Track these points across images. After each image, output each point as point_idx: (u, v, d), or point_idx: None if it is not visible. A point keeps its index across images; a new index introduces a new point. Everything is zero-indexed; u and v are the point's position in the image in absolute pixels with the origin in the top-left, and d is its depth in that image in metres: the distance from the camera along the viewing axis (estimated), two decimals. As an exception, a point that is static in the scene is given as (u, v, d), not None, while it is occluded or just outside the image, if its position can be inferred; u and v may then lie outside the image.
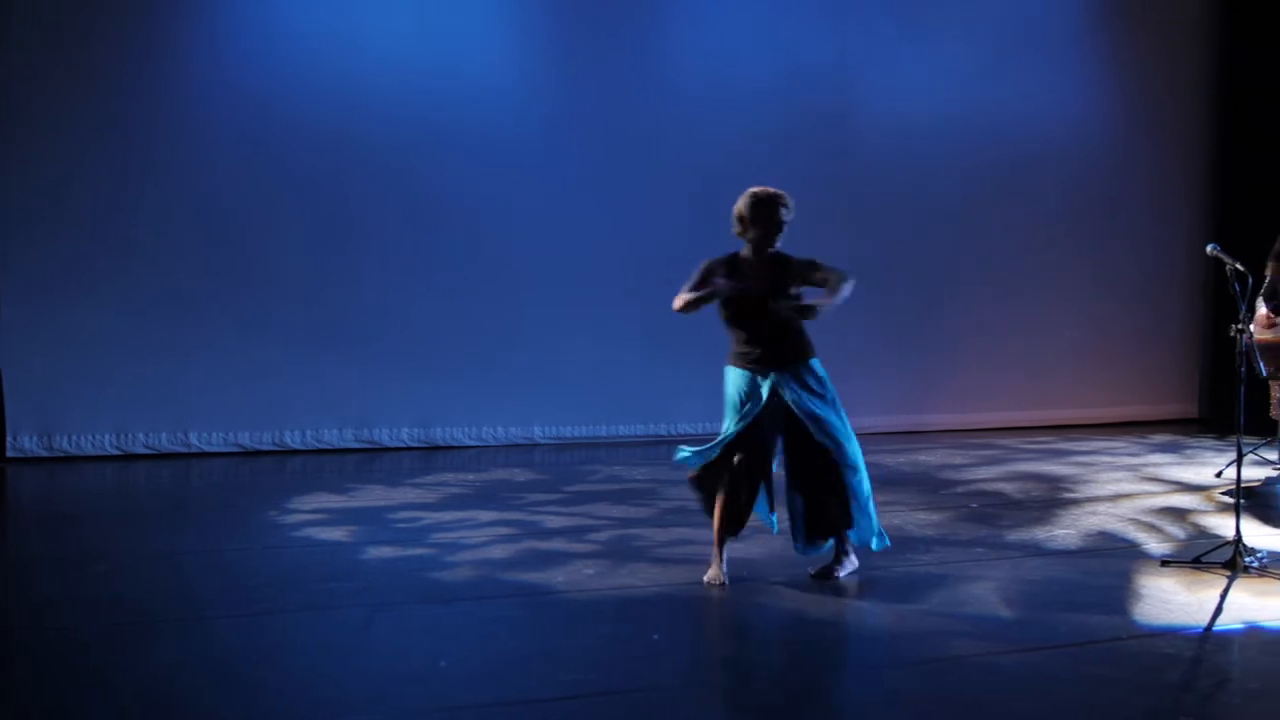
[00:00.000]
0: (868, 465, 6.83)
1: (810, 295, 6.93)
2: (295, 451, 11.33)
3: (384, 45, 11.55)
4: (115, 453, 10.84)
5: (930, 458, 11.49)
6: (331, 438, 11.49)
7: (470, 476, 10.32)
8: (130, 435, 10.91)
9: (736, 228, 6.81)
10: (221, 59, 11.13)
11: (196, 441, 11.08)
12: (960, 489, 9.87)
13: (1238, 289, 7.22)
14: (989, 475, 10.52)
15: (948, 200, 13.49)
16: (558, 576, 6.81)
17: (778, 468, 6.89)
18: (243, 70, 11.19)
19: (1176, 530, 8.19)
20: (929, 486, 9.94)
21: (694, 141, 12.34)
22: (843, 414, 6.85)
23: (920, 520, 8.47)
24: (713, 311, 6.85)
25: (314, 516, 8.46)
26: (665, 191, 12.03)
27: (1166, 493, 9.67)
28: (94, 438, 10.82)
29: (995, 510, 8.89)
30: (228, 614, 6.15)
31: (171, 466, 10.67)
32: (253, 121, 11.18)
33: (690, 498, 7.12)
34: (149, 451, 10.94)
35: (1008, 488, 9.89)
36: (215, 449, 11.13)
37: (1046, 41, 14.06)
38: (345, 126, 11.40)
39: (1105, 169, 14.31)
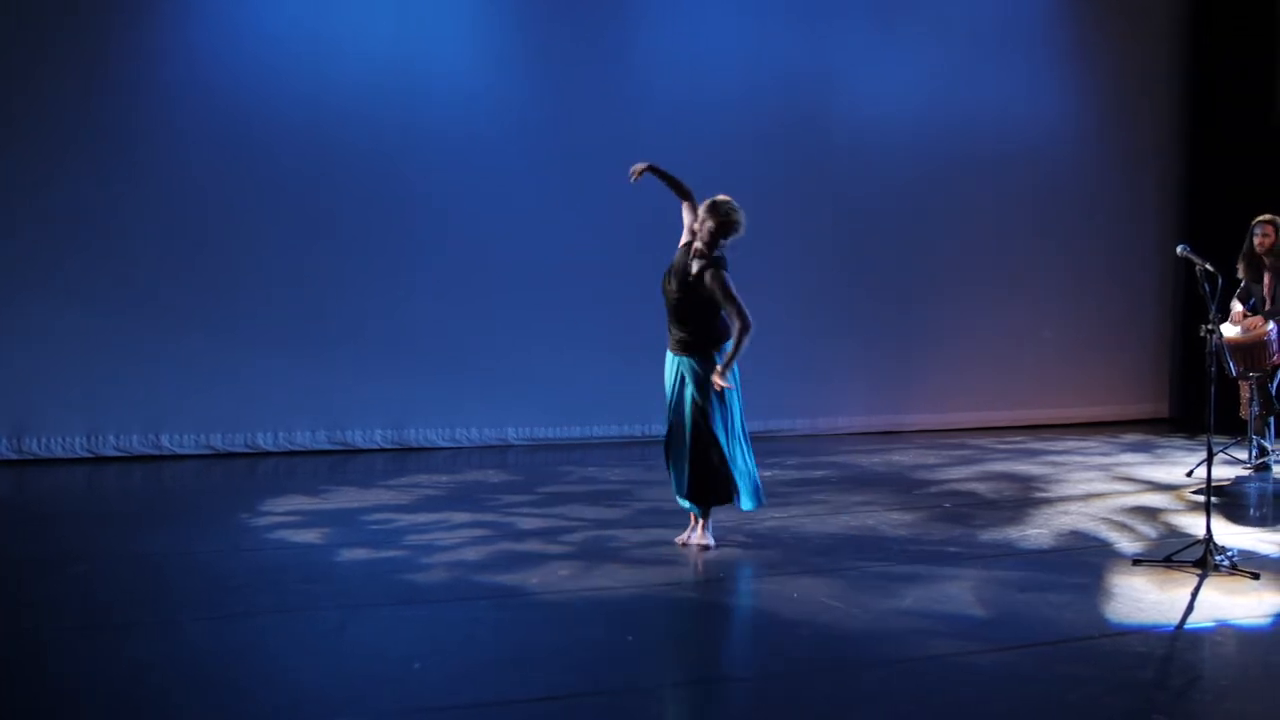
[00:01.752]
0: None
1: None
2: (267, 453, 11.28)
3: (359, 47, 11.49)
4: (86, 455, 10.76)
5: (904, 458, 11.52)
6: (304, 439, 11.45)
7: (444, 478, 10.31)
8: (101, 437, 10.84)
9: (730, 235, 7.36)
10: (197, 60, 11.06)
11: (168, 443, 11.02)
12: (934, 489, 9.89)
13: (1208, 289, 7.27)
14: (962, 475, 10.56)
15: (922, 201, 13.53)
16: (532, 578, 6.80)
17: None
18: (219, 72, 11.11)
19: (1148, 529, 8.24)
20: (903, 486, 9.97)
21: (671, 144, 12.26)
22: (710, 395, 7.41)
23: (894, 520, 8.50)
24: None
25: (287, 518, 8.43)
26: (641, 194, 11.97)
27: (1138, 492, 9.72)
28: (64, 440, 10.74)
29: (968, 510, 8.92)
30: (201, 616, 6.13)
31: (143, 469, 10.61)
32: (228, 123, 11.11)
33: (663, 498, 7.16)
34: (120, 454, 10.86)
35: (981, 488, 9.93)
36: (187, 451, 11.07)
37: (1021, 43, 14.12)
38: (320, 129, 11.34)
39: (1078, 170, 14.38)
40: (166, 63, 10.99)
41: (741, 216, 7.31)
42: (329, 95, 11.38)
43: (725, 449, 7.35)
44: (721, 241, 7.30)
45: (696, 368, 7.33)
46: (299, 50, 11.32)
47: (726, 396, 7.33)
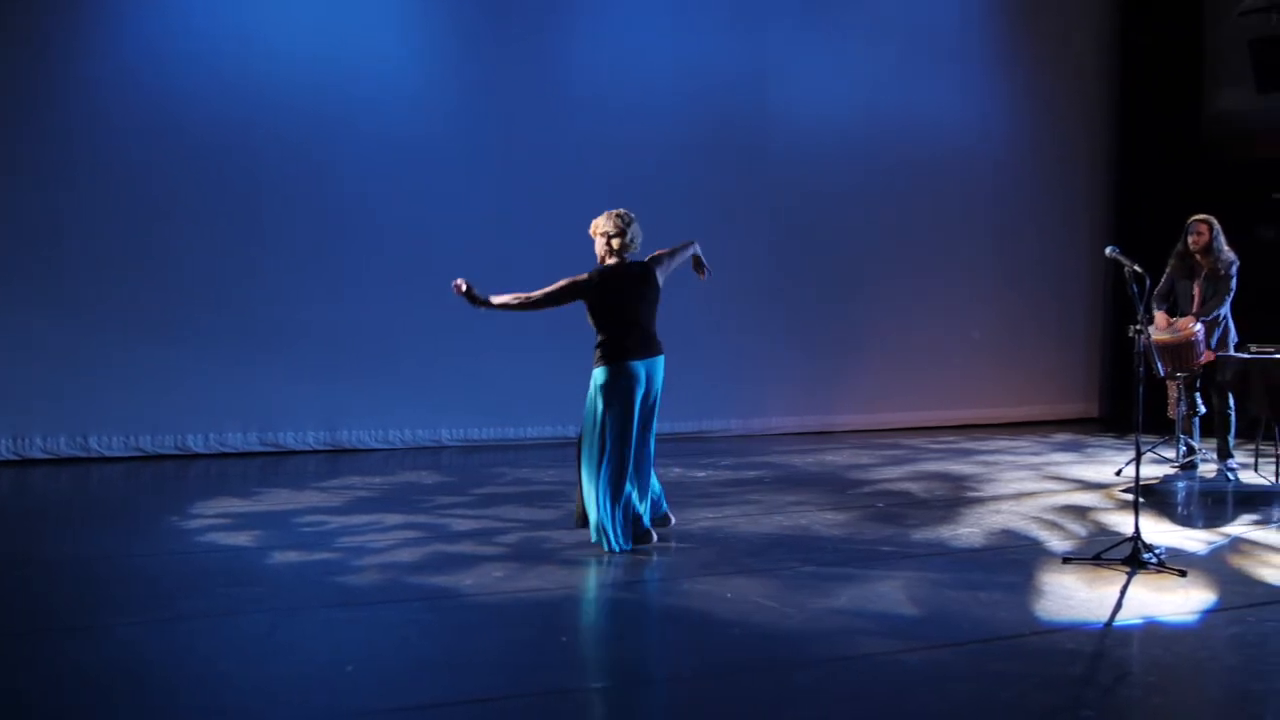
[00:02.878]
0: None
1: None
2: (198, 455, 11.16)
3: (291, 47, 11.39)
4: (12, 458, 10.58)
5: (837, 458, 11.58)
6: (235, 441, 11.34)
7: (377, 479, 10.25)
8: (27, 439, 10.67)
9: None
10: (124, 59, 10.92)
11: (96, 445, 10.87)
12: (867, 489, 9.95)
13: (1136, 290, 7.35)
14: (895, 475, 10.62)
15: (856, 203, 13.63)
16: (466, 579, 6.78)
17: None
18: (150, 76, 10.97)
19: (1078, 528, 8.32)
20: (836, 486, 10.02)
21: (604, 145, 12.34)
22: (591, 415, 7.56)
23: (827, 520, 8.53)
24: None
25: (218, 521, 8.35)
26: (574, 194, 11.97)
27: (1068, 491, 9.82)
28: (-11, 442, 10.60)
29: (901, 510, 8.98)
30: (129, 620, 6.05)
31: (71, 471, 10.47)
32: (155, 123, 10.98)
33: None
34: (47, 456, 10.71)
35: (913, 487, 9.99)
36: (116, 453, 10.93)
37: (954, 48, 14.25)
38: (250, 128, 11.24)
39: (1009, 173, 14.53)
40: (91, 62, 10.85)
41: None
42: (262, 97, 11.29)
43: (585, 469, 7.49)
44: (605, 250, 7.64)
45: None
46: (232, 52, 11.22)
47: (597, 420, 7.44)
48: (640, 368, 7.42)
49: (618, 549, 7.36)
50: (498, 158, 12.07)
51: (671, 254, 7.74)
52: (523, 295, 7.59)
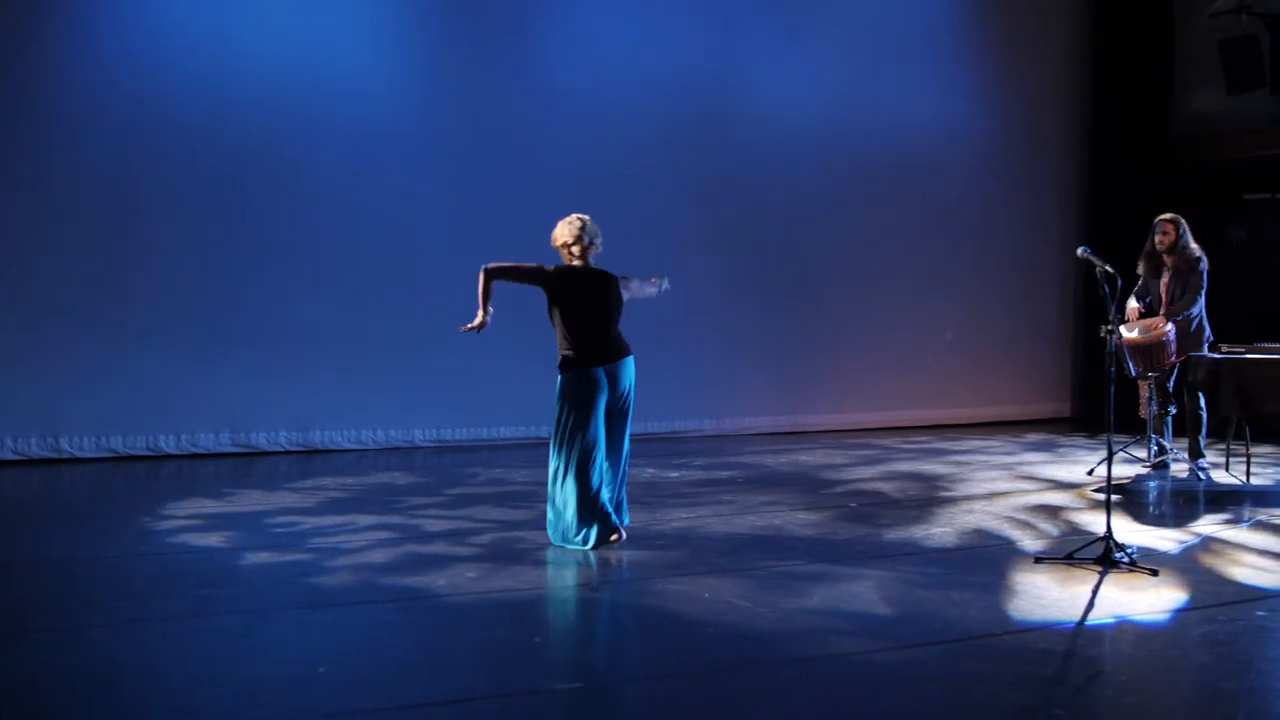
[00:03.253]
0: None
1: None
2: (170, 456, 11.12)
3: (262, 44, 11.36)
4: (-18, 459, 10.56)
5: (810, 458, 11.59)
6: (207, 442, 11.30)
7: (350, 480, 10.21)
8: (-2, 440, 10.64)
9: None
10: (93, 57, 10.87)
11: (67, 446, 10.81)
12: (839, 489, 9.96)
13: (1107, 290, 7.38)
14: (868, 475, 10.64)
15: (828, 202, 13.65)
16: (439, 580, 6.76)
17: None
18: (121, 76, 10.92)
19: (1050, 527, 8.34)
20: (809, 486, 10.03)
21: (576, 144, 12.34)
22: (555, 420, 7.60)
23: (800, 520, 8.54)
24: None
25: (190, 522, 8.31)
26: (545, 194, 11.97)
27: (1040, 490, 9.85)
28: (-41, 444, 10.53)
29: (874, 509, 8.99)
30: (101, 622, 6.01)
31: (41, 472, 10.41)
32: (130, 123, 10.93)
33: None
34: (18, 457, 10.64)
35: (886, 487, 10.01)
36: (87, 454, 10.87)
37: (928, 48, 14.29)
38: (219, 128, 11.19)
39: (981, 174, 14.57)
40: (60, 60, 10.78)
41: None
42: (236, 97, 11.26)
43: (551, 470, 7.54)
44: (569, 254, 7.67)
45: None
46: (205, 50, 11.16)
47: (559, 425, 7.50)
48: (600, 373, 7.45)
49: (582, 547, 7.41)
50: (472, 157, 12.05)
51: (641, 282, 7.81)
52: (486, 268, 7.54)
